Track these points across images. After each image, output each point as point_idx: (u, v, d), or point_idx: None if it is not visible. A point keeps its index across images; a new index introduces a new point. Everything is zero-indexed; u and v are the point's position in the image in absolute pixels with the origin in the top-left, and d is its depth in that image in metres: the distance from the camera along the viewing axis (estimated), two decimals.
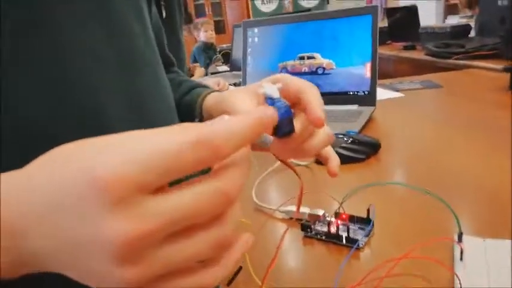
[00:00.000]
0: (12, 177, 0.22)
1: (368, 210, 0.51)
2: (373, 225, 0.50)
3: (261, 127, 0.22)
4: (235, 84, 1.67)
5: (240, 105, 0.36)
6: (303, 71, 1.13)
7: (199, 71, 2.51)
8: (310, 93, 0.33)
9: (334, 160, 0.38)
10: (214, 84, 1.52)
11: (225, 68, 2.40)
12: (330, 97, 1.08)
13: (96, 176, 0.19)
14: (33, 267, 0.22)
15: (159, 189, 0.20)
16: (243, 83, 1.21)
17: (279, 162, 0.36)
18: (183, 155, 0.20)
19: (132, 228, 0.19)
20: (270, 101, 0.31)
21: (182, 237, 0.21)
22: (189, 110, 0.50)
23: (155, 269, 0.20)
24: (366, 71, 1.05)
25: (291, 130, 0.31)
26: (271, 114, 0.23)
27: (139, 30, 0.41)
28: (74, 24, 0.34)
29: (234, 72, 2.07)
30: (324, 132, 0.35)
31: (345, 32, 1.08)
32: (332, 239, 0.50)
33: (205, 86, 0.54)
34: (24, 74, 0.31)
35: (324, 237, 0.50)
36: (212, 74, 2.30)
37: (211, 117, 0.43)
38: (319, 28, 1.11)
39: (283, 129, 0.30)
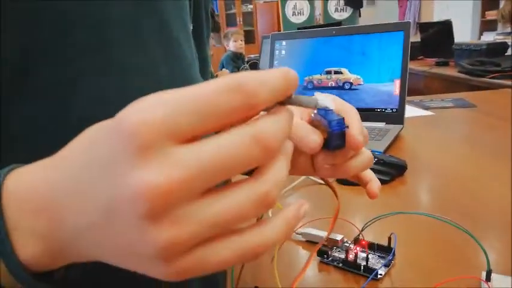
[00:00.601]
0: (45, 163, 0.22)
1: (389, 239, 0.48)
2: (394, 254, 0.47)
3: (287, 82, 0.21)
4: None
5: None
6: (329, 85, 1.11)
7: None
8: (351, 115, 0.31)
9: (376, 182, 0.37)
10: None
11: None
12: None
13: (124, 122, 0.17)
14: (76, 256, 0.21)
15: (192, 140, 0.18)
16: None
17: (299, 180, 0.34)
18: (216, 97, 0.18)
19: (163, 177, 0.17)
20: (322, 111, 0.29)
21: (220, 192, 0.19)
22: None
23: (193, 228, 0.18)
24: (395, 88, 1.02)
25: (342, 144, 0.29)
26: (294, 72, 0.21)
27: (190, 54, 0.41)
28: (135, 44, 0.34)
29: None
30: (366, 154, 0.33)
31: (375, 47, 1.05)
32: (349, 267, 0.47)
33: None
34: (81, 91, 0.31)
35: (341, 265, 0.48)
36: None
37: None
38: (348, 43, 1.09)
39: (334, 142, 0.29)
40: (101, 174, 0.18)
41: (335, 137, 0.29)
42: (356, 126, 0.30)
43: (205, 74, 0.54)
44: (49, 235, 0.21)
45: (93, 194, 0.19)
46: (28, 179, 0.22)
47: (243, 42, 3.28)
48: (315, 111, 0.30)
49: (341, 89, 1.09)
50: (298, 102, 0.25)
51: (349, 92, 1.08)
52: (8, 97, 0.29)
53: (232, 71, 2.98)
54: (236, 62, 3.09)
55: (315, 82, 1.13)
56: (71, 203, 0.20)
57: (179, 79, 0.38)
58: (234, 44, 3.21)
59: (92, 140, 0.20)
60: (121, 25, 0.33)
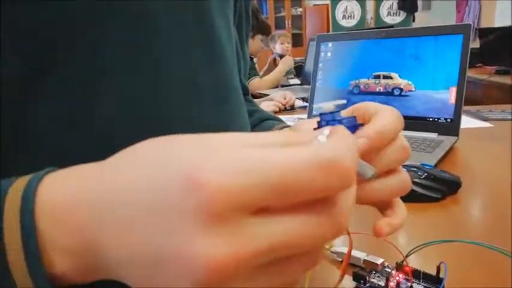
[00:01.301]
0: (85, 175, 0.20)
1: (438, 268, 0.42)
2: (443, 287, 0.41)
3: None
4: (303, 99, 1.61)
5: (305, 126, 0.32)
6: (377, 90, 1.04)
7: (257, 83, 2.48)
8: (383, 113, 0.26)
9: (399, 215, 0.30)
10: (281, 97, 1.47)
11: (296, 81, 2.35)
12: (405, 122, 0.96)
13: (200, 182, 0.16)
14: (107, 276, 0.20)
15: (261, 209, 0.17)
16: (311, 98, 1.14)
17: None
18: (308, 176, 0.16)
19: (227, 252, 0.16)
20: (328, 116, 0.25)
21: (275, 267, 0.18)
22: None
23: None
24: (451, 96, 0.93)
25: None
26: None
27: (231, 55, 0.38)
28: (175, 41, 0.32)
29: (304, 86, 2.02)
30: (402, 177, 0.27)
31: (430, 51, 0.97)
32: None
33: (277, 119, 0.49)
34: (108, 90, 0.29)
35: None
36: (283, 86, 2.26)
37: None
38: (399, 46, 1.02)
39: None
40: (160, 224, 0.17)
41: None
42: (378, 123, 0.24)
43: (243, 74, 0.51)
44: (83, 254, 0.19)
45: (145, 240, 0.17)
46: (67, 191, 0.20)
47: (290, 45, 3.22)
48: (319, 119, 0.25)
49: (390, 95, 1.02)
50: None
51: (399, 98, 1.01)
52: (29, 94, 0.27)
53: None
54: None
55: (361, 87, 1.06)
56: (117, 236, 0.18)
57: (218, 83, 0.35)
58: (281, 46, 3.17)
59: (151, 182, 0.17)
60: (160, 19, 0.30)
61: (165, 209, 0.16)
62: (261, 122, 0.47)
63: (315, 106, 1.12)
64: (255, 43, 2.22)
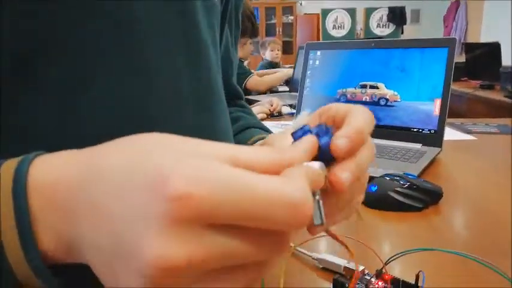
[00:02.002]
0: (76, 158, 0.21)
1: (417, 276, 0.42)
2: None
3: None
4: (290, 106, 1.61)
5: (279, 141, 0.32)
6: (363, 99, 1.05)
7: (256, 79, 2.46)
8: (357, 112, 0.26)
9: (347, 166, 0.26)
10: (268, 103, 1.48)
11: (285, 88, 2.36)
12: (390, 131, 0.98)
13: (172, 182, 0.17)
14: (79, 258, 0.21)
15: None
16: (298, 105, 1.15)
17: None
18: (275, 210, 0.17)
19: (180, 254, 0.17)
20: (300, 132, 0.25)
21: (220, 274, 0.19)
22: None
23: None
24: (435, 107, 0.95)
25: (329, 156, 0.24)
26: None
27: (215, 60, 0.38)
28: (160, 45, 0.32)
29: (292, 93, 2.03)
30: (368, 147, 0.27)
31: (416, 63, 0.99)
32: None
33: (262, 127, 0.48)
34: (94, 90, 0.29)
35: None
36: (271, 92, 2.27)
37: None
38: (387, 57, 1.03)
39: (322, 155, 0.24)
40: (126, 216, 0.18)
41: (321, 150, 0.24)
42: (356, 123, 0.25)
43: (231, 77, 0.50)
44: (63, 233, 0.21)
45: (109, 227, 0.19)
46: (56, 174, 0.21)
47: (280, 52, 3.24)
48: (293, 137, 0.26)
49: (376, 104, 1.03)
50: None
51: (385, 108, 1.02)
52: (17, 91, 0.27)
53: None
54: None
55: (348, 96, 1.07)
56: (89, 218, 0.19)
57: (200, 86, 0.35)
58: (271, 53, 3.18)
59: (131, 177, 0.18)
60: (147, 24, 0.31)
61: (133, 204, 0.17)
62: (244, 129, 0.47)
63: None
64: (246, 47, 2.22)
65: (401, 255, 0.43)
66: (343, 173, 0.23)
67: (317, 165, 0.23)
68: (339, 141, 0.23)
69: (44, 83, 0.27)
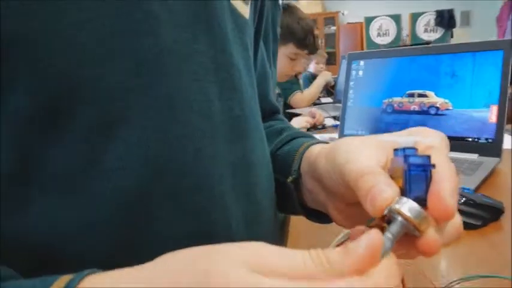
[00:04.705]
0: (124, 280, 0.20)
1: None
2: None
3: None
4: (334, 118, 1.58)
5: (363, 163, 0.26)
6: (411, 109, 1.00)
7: (300, 97, 2.43)
8: (442, 162, 0.23)
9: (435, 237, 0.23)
10: (310, 114, 1.45)
11: (328, 99, 2.32)
12: None
13: None
14: None
15: None
16: (342, 117, 1.12)
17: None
18: None
19: None
20: (401, 152, 0.23)
21: None
22: (286, 161, 0.40)
23: None
24: (491, 114, 0.88)
25: (422, 196, 0.22)
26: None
27: (249, 84, 0.35)
28: (189, 76, 0.29)
29: (336, 105, 1.98)
30: (456, 224, 0.24)
31: (468, 68, 0.93)
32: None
33: (309, 136, 0.45)
34: (121, 134, 0.25)
35: None
36: (314, 104, 2.24)
37: (314, 172, 0.33)
38: (435, 63, 0.98)
39: (411, 191, 0.22)
40: None
41: (413, 182, 0.21)
42: (447, 182, 0.21)
43: (268, 93, 0.49)
44: None
45: None
46: None
47: (324, 66, 3.21)
48: (394, 152, 0.23)
49: (425, 113, 0.98)
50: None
51: (435, 117, 0.96)
52: (39, 137, 0.24)
53: None
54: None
55: (395, 105, 1.02)
56: None
57: (233, 115, 0.32)
58: (315, 66, 3.16)
59: None
60: (174, 55, 0.28)
61: None
62: (291, 140, 0.44)
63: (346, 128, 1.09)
64: (304, 62, 2.19)
65: (458, 283, 0.39)
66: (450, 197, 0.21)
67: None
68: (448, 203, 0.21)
69: (71, 130, 0.25)
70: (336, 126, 1.49)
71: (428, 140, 0.24)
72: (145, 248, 0.25)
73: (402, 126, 1.01)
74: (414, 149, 0.23)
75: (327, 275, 0.18)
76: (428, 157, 0.22)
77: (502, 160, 0.85)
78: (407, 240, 0.22)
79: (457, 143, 0.91)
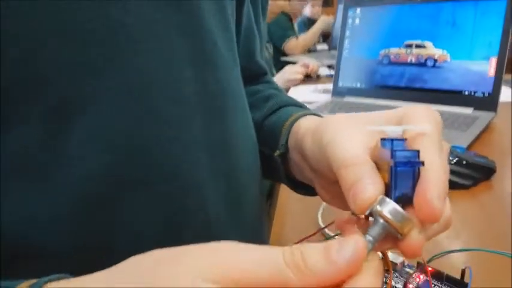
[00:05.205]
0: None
1: (463, 271, 0.39)
2: None
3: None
4: (329, 67, 1.53)
5: (348, 151, 0.24)
6: (408, 61, 0.97)
7: (294, 43, 2.35)
8: (432, 156, 0.21)
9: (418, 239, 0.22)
10: (303, 67, 1.41)
11: (324, 46, 2.25)
12: (438, 95, 0.91)
13: None
14: None
15: None
16: (336, 68, 1.08)
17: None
18: None
19: None
20: (388, 142, 0.21)
21: None
22: (273, 133, 0.37)
23: None
24: (490, 67, 0.85)
25: (409, 193, 0.20)
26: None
27: (229, 58, 0.32)
28: (154, 55, 0.26)
29: (332, 52, 1.93)
30: (444, 220, 0.23)
31: (469, 17, 0.88)
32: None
33: (297, 104, 0.41)
34: (84, 117, 0.23)
35: None
36: (309, 52, 2.17)
37: (301, 149, 0.31)
38: (435, 11, 0.93)
39: (397, 188, 0.20)
40: None
41: (399, 179, 0.20)
42: (435, 181, 0.20)
43: (254, 53, 0.45)
44: None
45: None
46: None
47: (320, 9, 3.08)
48: (380, 143, 0.22)
49: (422, 66, 0.95)
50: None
51: (432, 69, 0.93)
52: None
53: None
54: (309, 28, 2.93)
55: (391, 57, 0.99)
56: None
57: (210, 90, 0.29)
58: (311, 9, 3.03)
59: None
60: (139, 31, 0.25)
61: None
62: (278, 109, 0.41)
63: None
64: (316, 8, 2.10)
65: (443, 255, 0.39)
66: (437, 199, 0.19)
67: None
68: (435, 206, 0.19)
69: (28, 116, 0.22)
70: (330, 75, 1.46)
71: (420, 127, 0.22)
72: (116, 237, 0.24)
73: (398, 78, 0.98)
74: (403, 140, 0.21)
75: (305, 284, 0.16)
76: (417, 152, 0.20)
77: (498, 115, 0.84)
78: (390, 238, 0.21)
79: (453, 97, 0.89)
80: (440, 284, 0.40)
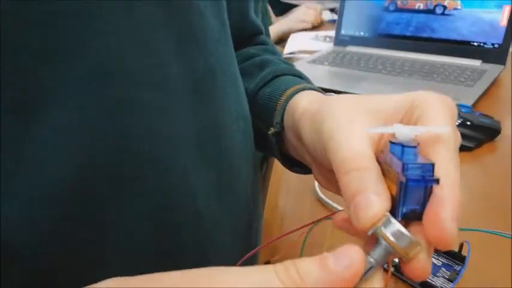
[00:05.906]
0: None
1: (461, 245, 0.38)
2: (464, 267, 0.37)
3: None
4: (332, 10, 1.45)
5: (351, 151, 0.21)
6: (416, 7, 0.91)
7: None
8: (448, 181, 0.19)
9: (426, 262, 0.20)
10: (306, 13, 1.33)
11: None
12: (445, 45, 0.86)
13: None
14: None
15: None
16: (340, 14, 1.02)
17: None
18: None
19: None
20: (398, 147, 0.19)
21: None
22: (268, 107, 0.34)
23: None
24: (502, 17, 0.80)
25: (419, 210, 0.18)
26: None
27: (215, 18, 0.29)
28: (131, 34, 0.22)
29: None
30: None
31: None
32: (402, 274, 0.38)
33: (294, 72, 0.37)
34: (53, 104, 0.20)
35: (393, 269, 0.39)
36: None
37: (298, 133, 0.28)
38: None
39: (406, 204, 0.18)
40: None
41: (409, 195, 0.18)
42: (449, 201, 0.18)
43: (248, 11, 0.41)
44: None
45: None
46: None
47: None
48: (388, 146, 0.19)
49: (431, 13, 0.89)
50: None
51: (441, 17, 0.88)
52: None
53: None
54: None
55: (398, 3, 0.93)
56: None
57: (198, 68, 0.27)
58: None
59: None
60: (108, 5, 0.21)
61: None
62: (274, 78, 0.36)
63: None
64: None
65: None
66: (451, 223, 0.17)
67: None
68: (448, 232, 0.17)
69: None
70: (333, 21, 1.38)
71: (436, 130, 0.19)
72: (106, 235, 0.23)
73: (404, 26, 0.93)
74: (415, 147, 0.19)
75: None
76: (432, 166, 0.18)
77: (507, 68, 0.80)
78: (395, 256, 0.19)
79: (461, 48, 0.85)
80: (437, 257, 0.39)
